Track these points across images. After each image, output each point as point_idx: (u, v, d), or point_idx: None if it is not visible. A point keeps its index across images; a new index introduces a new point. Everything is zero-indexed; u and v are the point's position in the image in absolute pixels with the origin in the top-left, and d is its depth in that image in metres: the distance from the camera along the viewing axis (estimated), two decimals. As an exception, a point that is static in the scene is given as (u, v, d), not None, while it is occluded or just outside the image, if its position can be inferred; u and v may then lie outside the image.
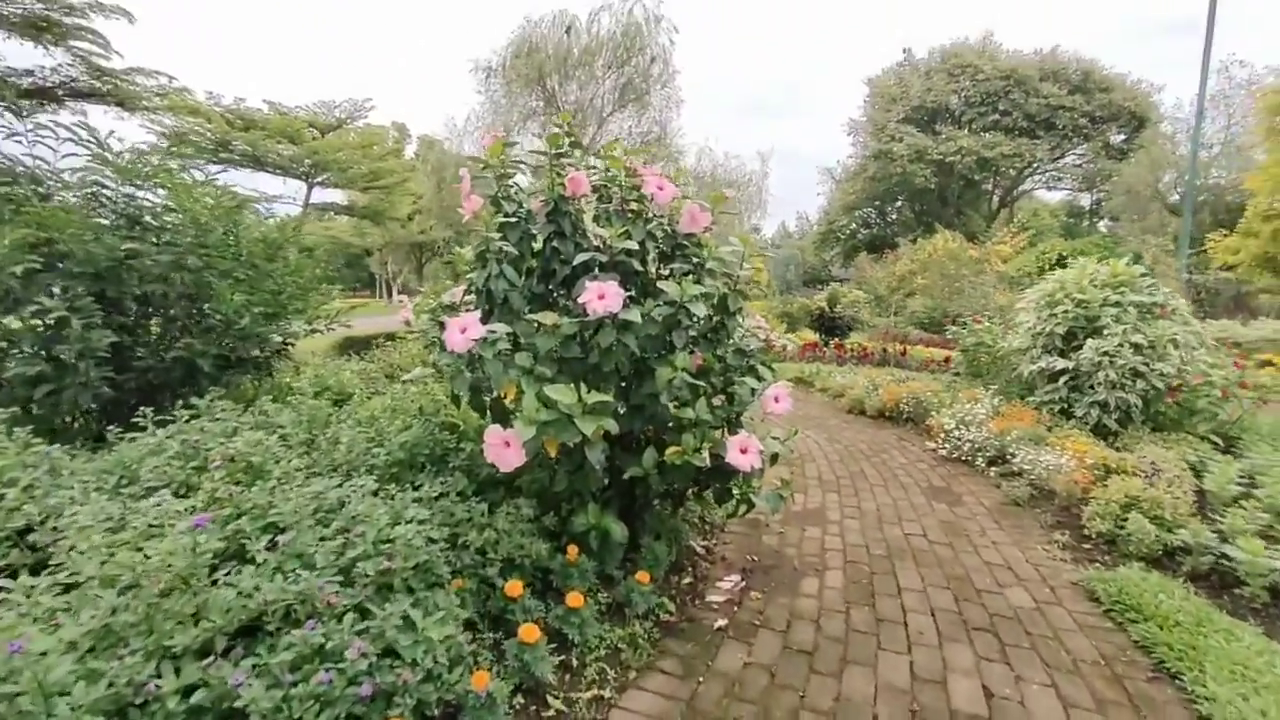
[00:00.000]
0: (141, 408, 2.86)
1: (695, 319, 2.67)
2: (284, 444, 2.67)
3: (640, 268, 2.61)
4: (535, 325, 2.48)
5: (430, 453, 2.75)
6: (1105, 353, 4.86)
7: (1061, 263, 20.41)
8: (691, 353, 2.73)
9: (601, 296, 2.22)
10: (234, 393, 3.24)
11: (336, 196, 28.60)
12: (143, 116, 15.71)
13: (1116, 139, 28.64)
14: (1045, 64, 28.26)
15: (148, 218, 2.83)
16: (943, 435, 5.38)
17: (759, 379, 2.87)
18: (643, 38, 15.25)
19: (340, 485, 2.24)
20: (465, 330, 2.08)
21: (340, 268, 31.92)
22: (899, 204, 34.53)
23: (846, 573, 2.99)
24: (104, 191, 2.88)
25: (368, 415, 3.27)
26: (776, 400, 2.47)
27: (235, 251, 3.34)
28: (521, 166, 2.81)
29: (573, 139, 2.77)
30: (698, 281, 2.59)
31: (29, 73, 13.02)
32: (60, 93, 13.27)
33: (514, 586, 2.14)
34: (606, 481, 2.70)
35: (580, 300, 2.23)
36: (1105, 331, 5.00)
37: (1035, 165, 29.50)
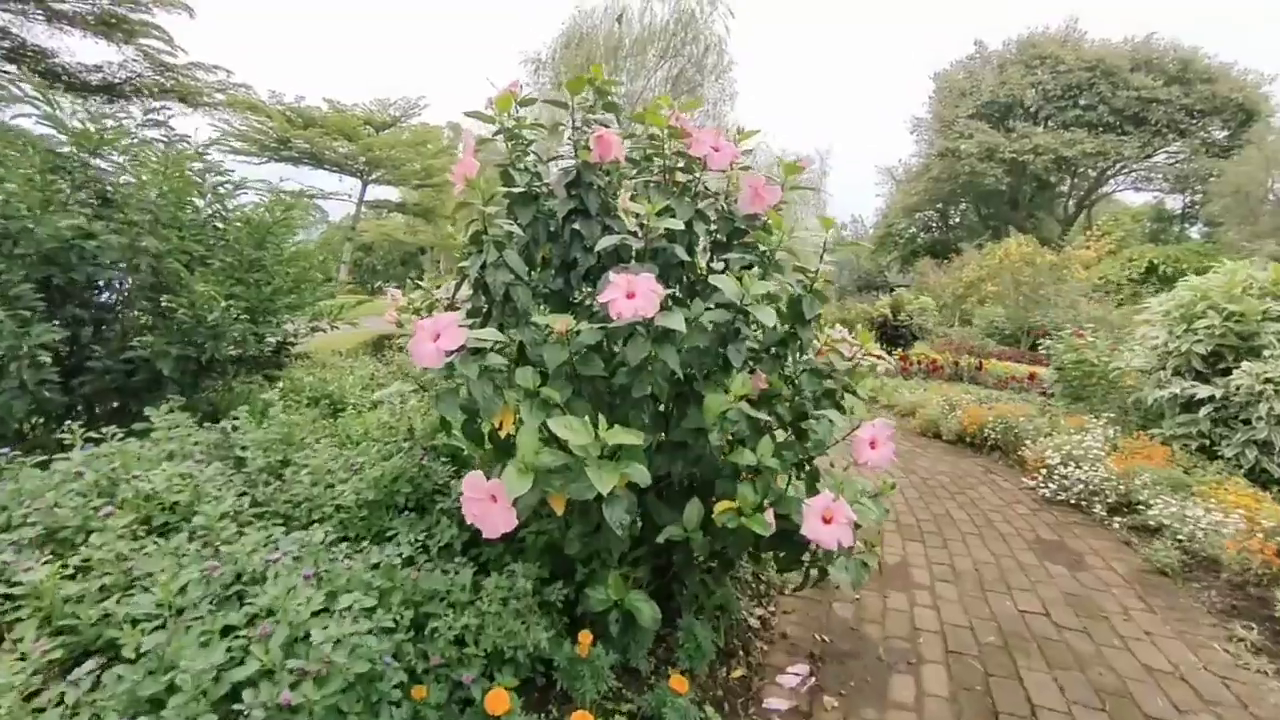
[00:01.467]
0: (123, 413, 2.42)
1: (759, 328, 2.01)
2: (236, 473, 2.15)
3: (686, 257, 1.96)
4: (545, 331, 1.87)
5: (415, 489, 2.17)
6: (1268, 379, 3.89)
7: (1154, 271, 18.58)
8: (752, 372, 2.07)
9: (631, 294, 1.58)
10: (198, 401, 2.77)
11: (390, 194, 29.16)
12: (205, 113, 16.09)
13: (1219, 135, 25.98)
14: (1138, 53, 25.90)
15: (110, 191, 2.38)
16: (1043, 471, 4.50)
17: (843, 411, 2.17)
18: (696, 26, 14.56)
19: (278, 540, 1.68)
20: (438, 337, 1.48)
21: (396, 265, 32.48)
22: (963, 206, 32.53)
23: (951, 670, 2.25)
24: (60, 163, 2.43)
25: (361, 431, 2.74)
26: (873, 445, 1.76)
27: (218, 234, 2.87)
28: (541, 130, 2.20)
29: (606, 96, 2.14)
30: (763, 277, 1.91)
31: (97, 69, 13.44)
32: (127, 89, 13.68)
33: (498, 699, 1.53)
34: (637, 537, 2.07)
35: (601, 299, 1.60)
36: (1266, 353, 4.01)
37: (1121, 164, 27.14)
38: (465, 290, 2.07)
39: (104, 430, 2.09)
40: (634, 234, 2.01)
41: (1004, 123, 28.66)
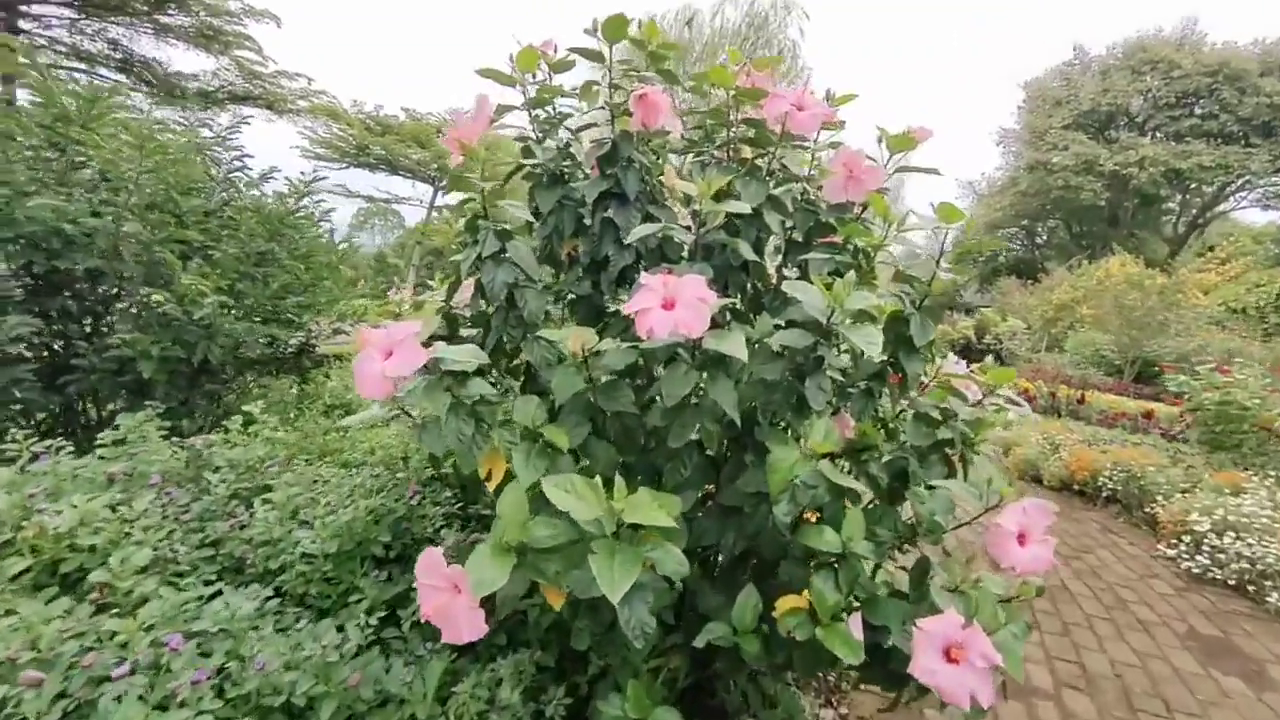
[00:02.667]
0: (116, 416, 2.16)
1: (848, 356, 1.47)
2: (196, 501, 1.80)
3: (753, 256, 1.44)
4: (557, 349, 1.41)
5: (398, 535, 1.75)
6: None
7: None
8: (834, 414, 1.53)
9: (670, 303, 1.09)
10: (196, 407, 2.49)
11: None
12: (290, 120, 16.87)
13: (1366, 147, 22.84)
14: (1269, 55, 23.17)
15: (90, 170, 2.12)
16: (1185, 538, 3.65)
17: (954, 471, 1.60)
18: (769, 30, 13.95)
19: (191, 609, 1.28)
20: (390, 356, 1.03)
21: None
22: (1052, 223, 30.13)
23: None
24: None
25: (367, 449, 2.38)
26: (1023, 541, 1.18)
27: (230, 224, 2.60)
28: (574, 103, 1.75)
29: (662, 62, 1.66)
30: (858, 285, 1.38)
31: (195, 78, 14.31)
32: (220, 96, 14.49)
33: None
34: (669, 624, 1.56)
35: (628, 309, 1.11)
36: None
37: (1245, 179, 24.31)
38: (468, 293, 1.64)
39: (51, 442, 1.79)
40: (687, 228, 1.53)
41: (1104, 133, 26.33)
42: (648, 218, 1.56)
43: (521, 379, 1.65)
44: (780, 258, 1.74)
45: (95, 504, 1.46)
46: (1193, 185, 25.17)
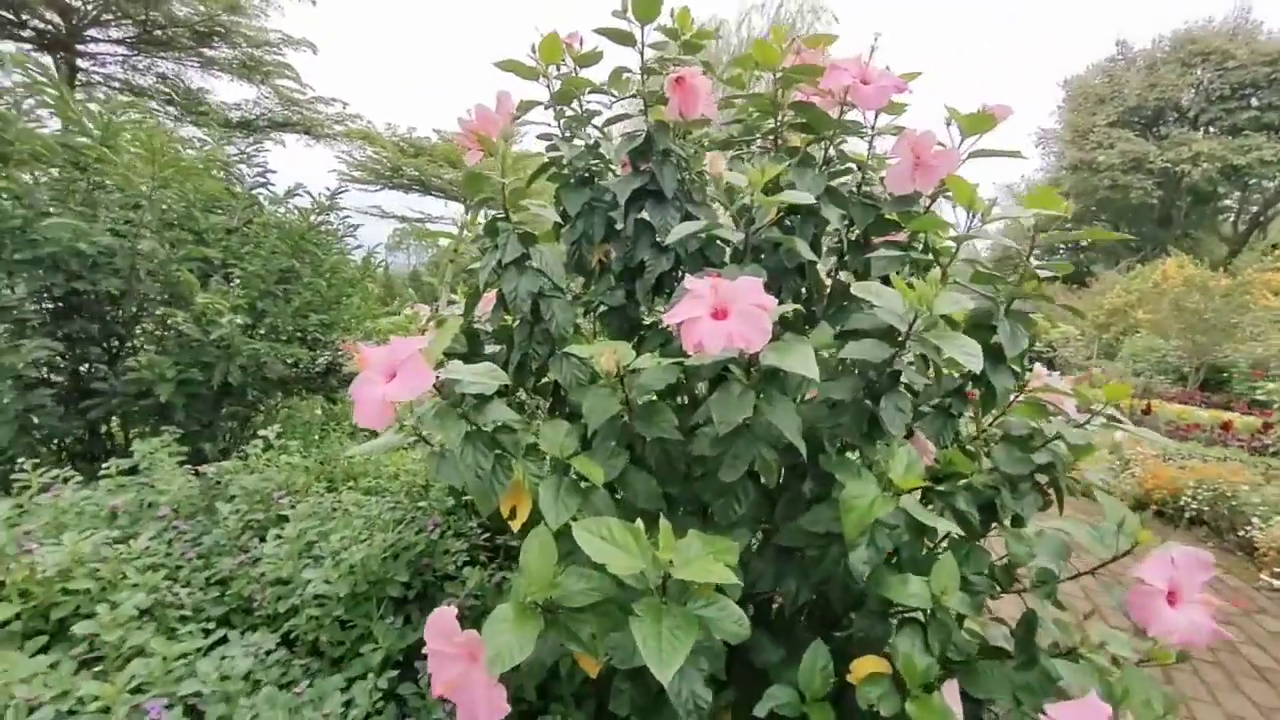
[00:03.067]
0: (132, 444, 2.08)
1: (934, 369, 1.27)
2: (208, 534, 1.68)
3: (811, 256, 1.25)
4: (585, 368, 1.24)
5: (417, 573, 1.60)
6: None
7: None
8: (908, 436, 1.32)
9: (722, 311, 0.90)
10: (219, 430, 2.41)
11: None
12: (327, 145, 17.36)
13: None
14: (1333, 42, 21.93)
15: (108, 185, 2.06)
16: (1291, 566, 3.26)
17: (1047, 500, 1.37)
18: (797, 34, 13.75)
19: (180, 666, 1.14)
20: (393, 378, 0.87)
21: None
22: (1099, 225, 28.92)
23: None
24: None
25: (391, 474, 2.25)
26: (1171, 597, 0.95)
27: (252, 241, 2.53)
28: (603, 99, 1.59)
29: (698, 50, 1.49)
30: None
31: (237, 107, 14.86)
32: (261, 123, 15.02)
33: None
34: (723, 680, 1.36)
35: (670, 319, 0.93)
36: None
37: (1311, 172, 22.91)
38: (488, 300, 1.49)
39: (58, 471, 1.70)
40: (734, 229, 1.35)
41: (1152, 129, 25.20)
42: (687, 217, 1.39)
43: (550, 399, 1.49)
44: (833, 259, 1.55)
45: (92, 541, 1.35)
46: (1252, 181, 23.82)
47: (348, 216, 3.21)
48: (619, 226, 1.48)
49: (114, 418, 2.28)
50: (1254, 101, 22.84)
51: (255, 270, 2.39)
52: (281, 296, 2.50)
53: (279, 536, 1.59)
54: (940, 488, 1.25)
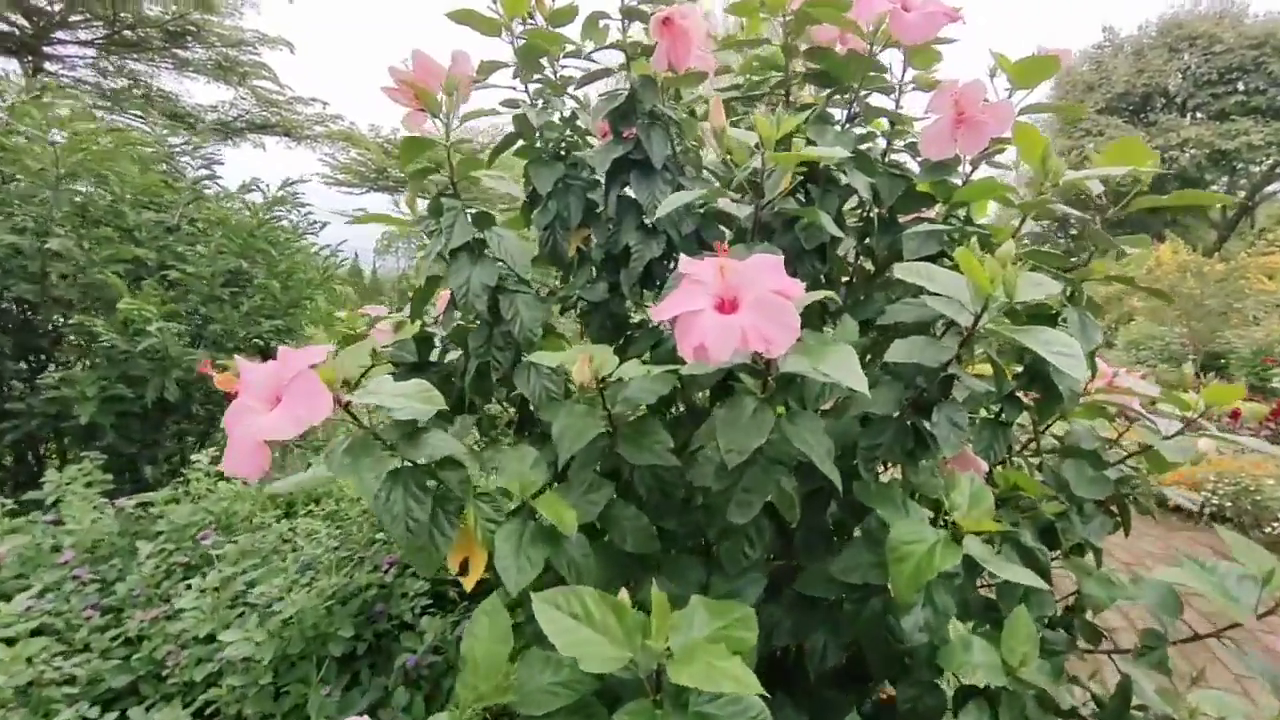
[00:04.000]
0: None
1: (994, 368, 1.03)
2: (122, 580, 1.42)
3: (836, 231, 1.00)
4: (560, 379, 1.00)
5: (366, 623, 1.35)
6: None
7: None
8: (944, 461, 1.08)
9: (730, 303, 0.66)
10: (160, 450, 2.14)
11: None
12: (309, 147, 16.97)
13: None
14: (1318, 25, 21.96)
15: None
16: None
17: (1116, 524, 1.15)
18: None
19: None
20: (278, 405, 0.63)
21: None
22: (1089, 213, 28.89)
23: None
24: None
25: (352, 505, 1.99)
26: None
27: (191, 241, 2.26)
28: (581, 64, 1.34)
29: None
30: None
31: (213, 109, 14.46)
32: (239, 125, 14.62)
33: None
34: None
35: (660, 315, 0.69)
36: None
37: (1298, 156, 22.93)
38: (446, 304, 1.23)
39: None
40: (738, 195, 1.11)
41: (1141, 116, 25.14)
42: (678, 189, 1.15)
43: (518, 415, 1.24)
44: (853, 240, 1.30)
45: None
46: (1240, 166, 23.82)
47: (310, 212, 2.95)
48: (600, 209, 1.24)
49: (24, 443, 2.01)
50: (1240, 86, 22.81)
51: (197, 272, 2.12)
52: (229, 301, 2.23)
53: (202, 584, 1.34)
54: (1009, 516, 1.01)
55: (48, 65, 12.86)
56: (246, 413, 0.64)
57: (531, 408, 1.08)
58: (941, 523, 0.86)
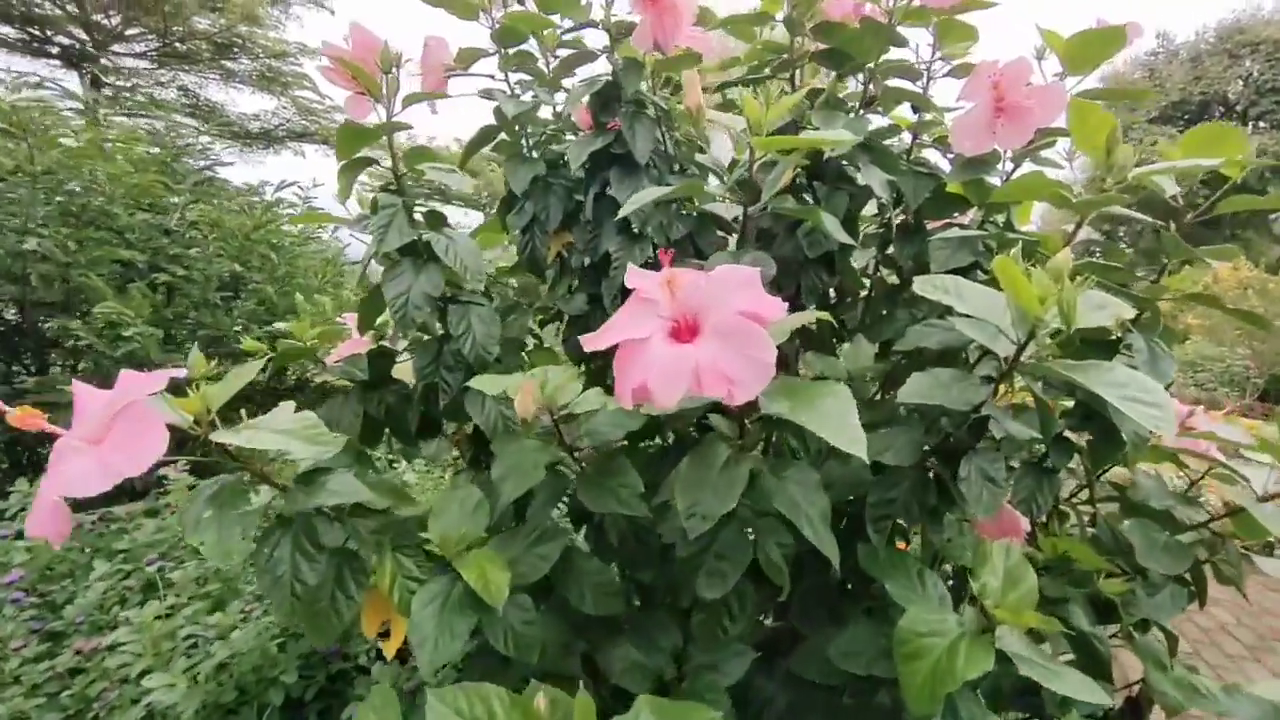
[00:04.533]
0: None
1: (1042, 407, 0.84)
2: (72, 606, 1.32)
3: (846, 238, 0.83)
4: (510, 408, 0.85)
5: (324, 654, 1.22)
6: None
7: None
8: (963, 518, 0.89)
9: (688, 327, 0.51)
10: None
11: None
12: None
13: None
14: (1395, 29, 20.66)
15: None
16: None
17: (1191, 594, 0.94)
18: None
19: None
20: (100, 445, 0.50)
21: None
22: (1139, 228, 27.71)
23: None
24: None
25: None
26: None
27: (184, 243, 2.20)
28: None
29: None
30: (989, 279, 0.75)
31: (256, 118, 14.91)
32: (279, 133, 15.03)
33: None
34: None
35: (594, 344, 0.53)
36: None
37: (1373, 167, 21.54)
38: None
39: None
40: (737, 195, 0.95)
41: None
42: (660, 181, 0.99)
43: (471, 447, 1.09)
44: (872, 250, 1.13)
45: None
46: (1306, 177, 22.50)
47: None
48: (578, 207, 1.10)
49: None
50: (1308, 94, 21.58)
51: (190, 275, 2.05)
52: (222, 306, 2.16)
53: (141, 616, 1.23)
54: (1053, 588, 0.82)
55: (104, 77, 13.46)
56: (69, 455, 0.51)
57: (484, 441, 0.94)
58: (968, 599, 0.68)
